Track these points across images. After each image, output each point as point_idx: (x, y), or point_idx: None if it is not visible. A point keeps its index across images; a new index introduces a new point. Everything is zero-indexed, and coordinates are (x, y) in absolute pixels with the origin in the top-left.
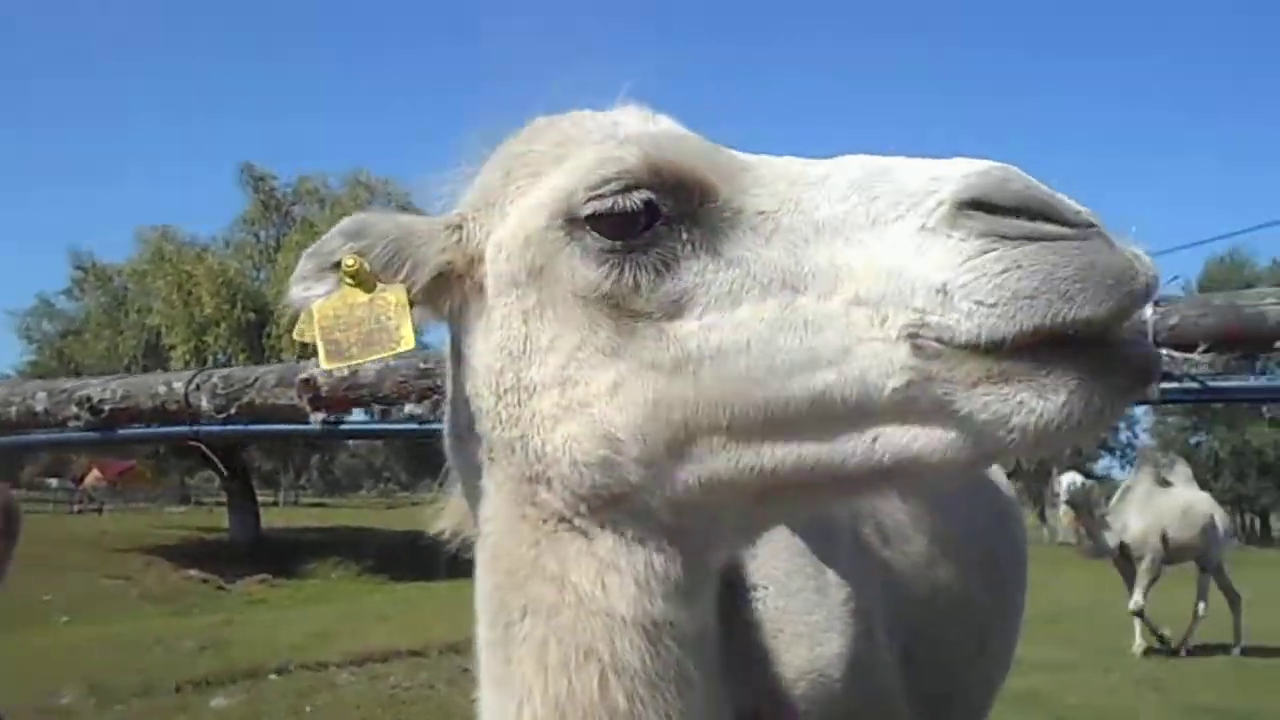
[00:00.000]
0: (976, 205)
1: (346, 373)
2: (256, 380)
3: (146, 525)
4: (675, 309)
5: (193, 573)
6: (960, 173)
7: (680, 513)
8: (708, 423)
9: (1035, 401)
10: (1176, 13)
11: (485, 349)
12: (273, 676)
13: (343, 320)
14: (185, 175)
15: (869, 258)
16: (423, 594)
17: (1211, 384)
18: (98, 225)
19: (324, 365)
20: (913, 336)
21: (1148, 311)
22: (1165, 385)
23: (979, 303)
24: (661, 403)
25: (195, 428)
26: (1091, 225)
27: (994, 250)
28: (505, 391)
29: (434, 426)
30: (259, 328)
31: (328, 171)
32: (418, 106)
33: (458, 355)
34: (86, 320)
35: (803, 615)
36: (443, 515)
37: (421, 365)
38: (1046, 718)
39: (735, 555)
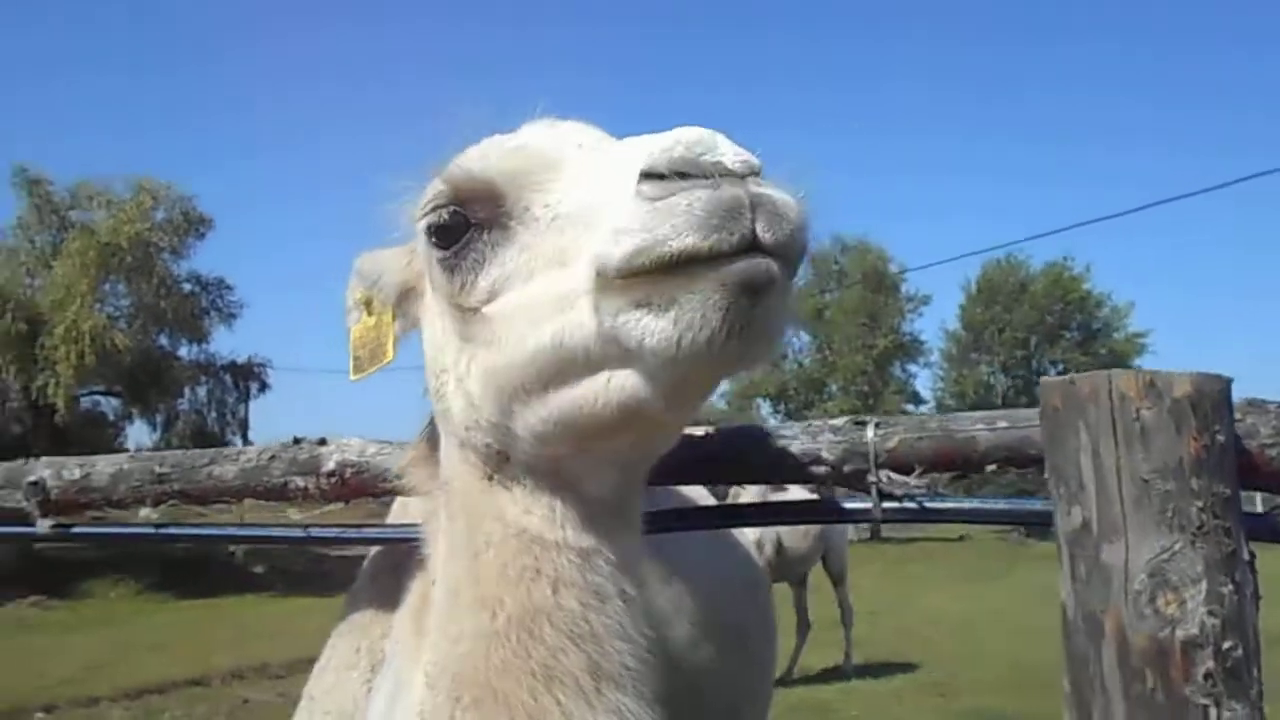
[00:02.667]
0: (649, 174)
1: (78, 474)
2: None
3: None
4: (489, 296)
5: None
6: (645, 150)
7: (543, 462)
8: (514, 382)
9: (654, 323)
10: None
11: (426, 340)
12: (39, 716)
13: (363, 339)
14: None
15: (596, 228)
16: (208, 613)
17: (929, 504)
18: None
19: (351, 377)
20: (597, 276)
21: (869, 433)
22: (886, 505)
23: (628, 235)
24: (490, 371)
25: None
26: (734, 173)
27: (651, 204)
28: (435, 374)
29: (171, 531)
30: (31, 339)
31: (111, 175)
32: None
33: (423, 345)
34: None
35: None
36: (407, 456)
37: (156, 469)
38: None
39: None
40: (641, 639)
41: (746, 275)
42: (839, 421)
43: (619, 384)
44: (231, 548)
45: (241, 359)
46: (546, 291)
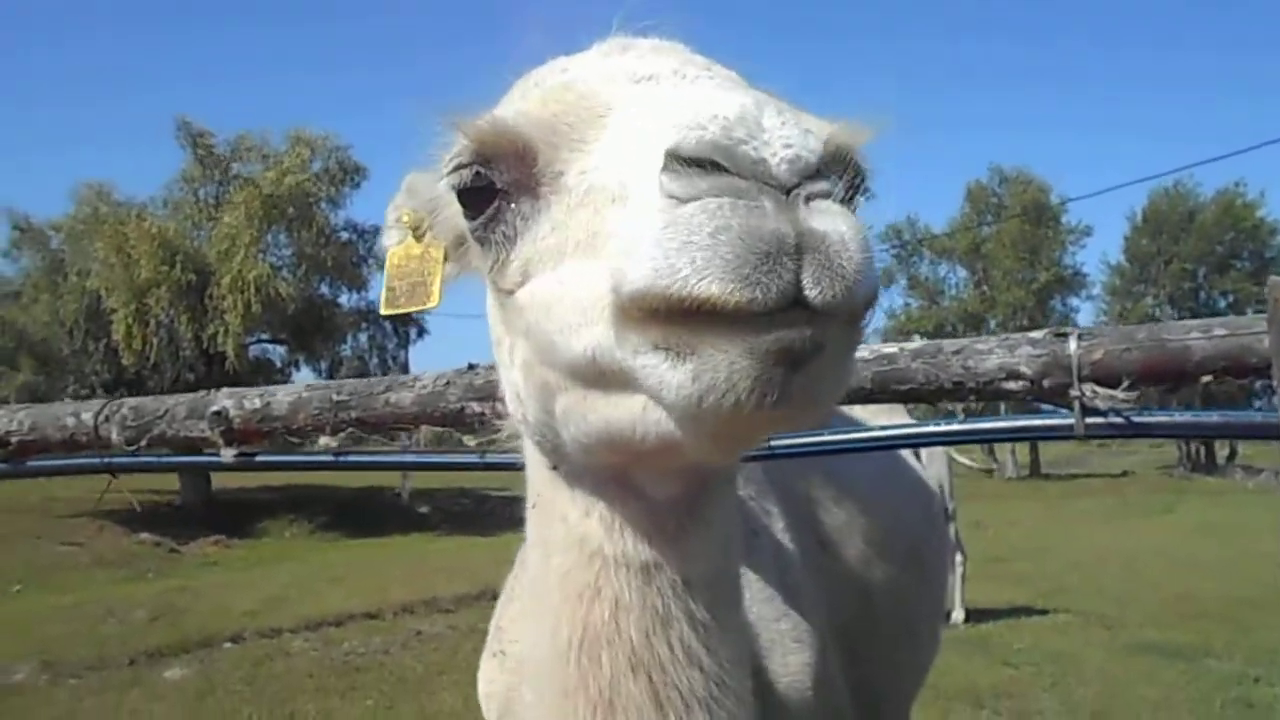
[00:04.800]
0: (674, 157)
1: (259, 404)
2: (167, 412)
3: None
4: (523, 279)
5: (145, 536)
6: (679, 119)
7: (596, 469)
8: (552, 386)
9: (670, 374)
10: None
11: (487, 302)
12: (227, 645)
13: (402, 269)
14: (122, 131)
15: (621, 223)
16: (378, 550)
17: (1136, 419)
18: (34, 185)
19: (382, 310)
20: (615, 294)
21: (1072, 345)
22: (1090, 420)
23: (642, 260)
24: (528, 366)
25: (108, 459)
26: (779, 182)
27: (668, 211)
28: (495, 342)
29: (351, 459)
30: (200, 289)
31: (268, 127)
32: (354, 63)
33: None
34: (25, 283)
35: (772, 623)
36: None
37: (335, 398)
38: (994, 662)
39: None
40: (718, 664)
41: (783, 345)
42: (1038, 334)
43: (655, 419)
44: (398, 490)
45: None
46: (574, 292)
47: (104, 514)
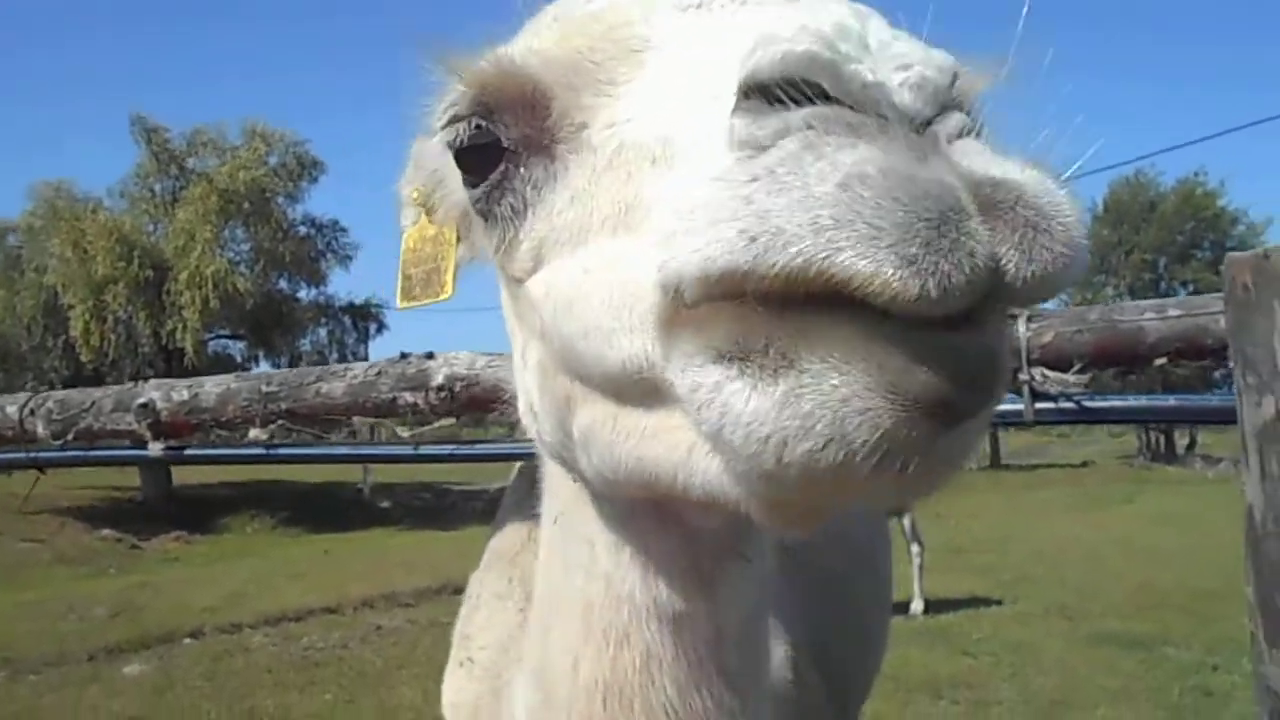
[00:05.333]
0: (750, 90)
1: (186, 396)
2: (93, 405)
3: (57, 486)
4: (534, 264)
5: (106, 532)
6: (741, 46)
7: (624, 501)
8: (578, 394)
9: (741, 402)
10: None
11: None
12: (186, 641)
13: (417, 254)
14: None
15: (670, 189)
16: (340, 545)
17: (1088, 404)
18: None
19: (398, 304)
20: (663, 288)
21: (1020, 327)
22: (1040, 405)
23: (706, 230)
24: (544, 371)
25: (33, 454)
26: (907, 113)
27: (744, 162)
28: (510, 339)
29: (281, 451)
30: (158, 285)
31: (225, 121)
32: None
33: None
34: None
35: None
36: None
37: (264, 388)
38: (953, 652)
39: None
40: (752, 706)
41: (966, 364)
42: None
43: (701, 466)
44: (359, 484)
45: (359, 300)
46: (604, 284)
47: (65, 510)
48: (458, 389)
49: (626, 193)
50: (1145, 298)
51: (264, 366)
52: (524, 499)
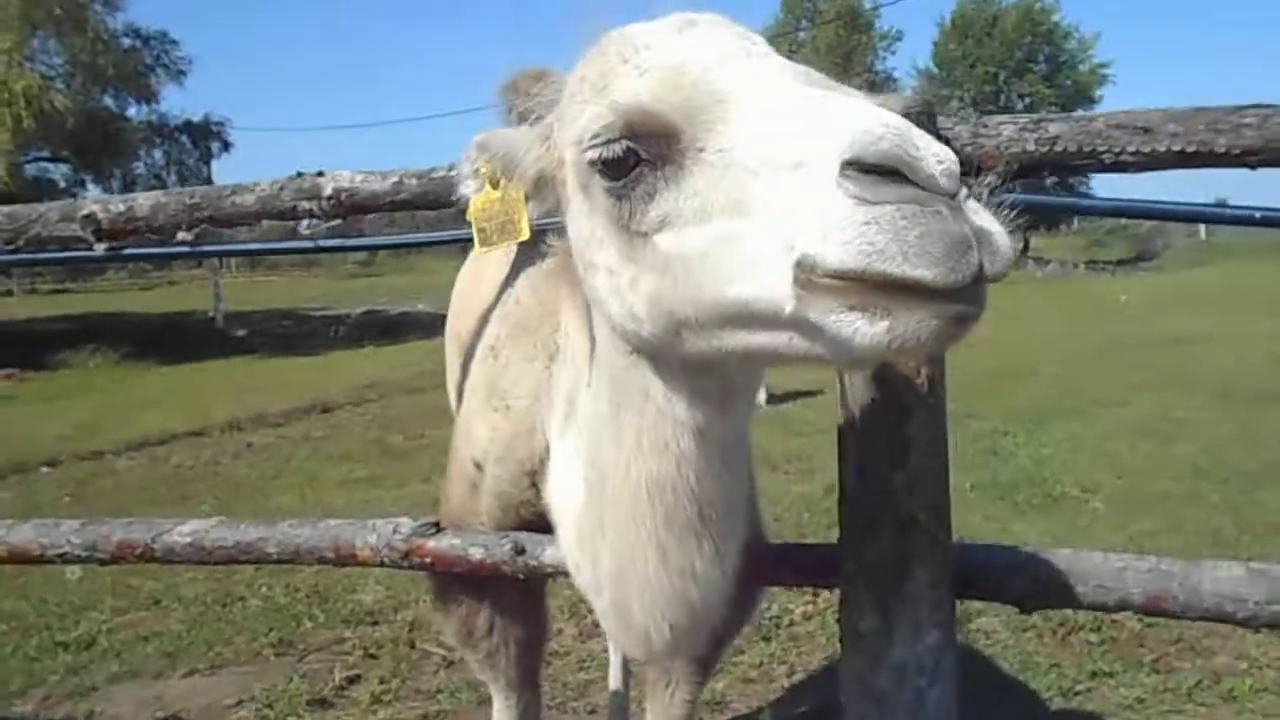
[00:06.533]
0: (853, 163)
1: (123, 208)
2: (40, 216)
3: None
4: (660, 227)
5: None
6: (850, 129)
7: (700, 362)
8: (684, 314)
9: (868, 327)
10: None
11: (573, 233)
12: (44, 470)
13: (486, 212)
14: None
15: (788, 197)
16: (197, 375)
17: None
18: None
19: (476, 251)
20: (799, 267)
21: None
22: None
23: (844, 244)
24: (657, 296)
25: None
26: (947, 192)
27: (862, 207)
28: (586, 266)
29: (206, 248)
30: None
31: None
32: None
33: (567, 228)
34: None
35: None
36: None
37: (188, 201)
38: (789, 435)
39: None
40: (738, 485)
41: (966, 313)
42: None
43: (802, 346)
44: (210, 312)
45: (197, 117)
46: (730, 249)
47: None
48: (343, 197)
49: (736, 194)
50: (986, 109)
51: (93, 191)
52: (522, 291)
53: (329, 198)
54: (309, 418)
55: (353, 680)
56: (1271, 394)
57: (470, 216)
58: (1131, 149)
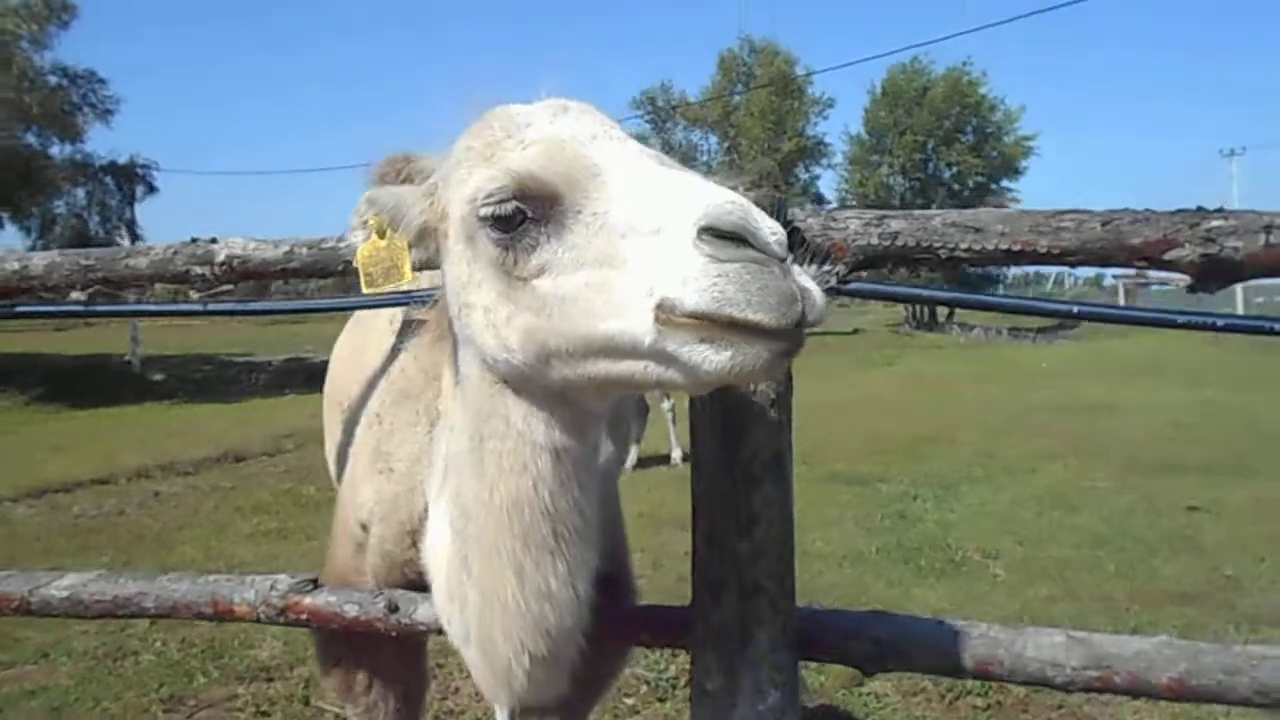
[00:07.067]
0: (708, 229)
1: (17, 266)
2: None
3: None
4: (539, 273)
5: None
6: (704, 202)
7: (560, 389)
8: (555, 346)
9: (714, 356)
10: None
11: (450, 276)
12: None
13: (373, 258)
14: None
15: (650, 253)
16: (108, 420)
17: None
18: None
19: (364, 290)
20: (659, 308)
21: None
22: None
23: (700, 291)
24: (531, 330)
25: None
26: (779, 256)
27: (714, 264)
28: (460, 307)
29: (98, 308)
30: None
31: None
32: None
33: (444, 274)
34: None
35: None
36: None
37: (83, 262)
38: None
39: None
40: (589, 508)
41: (790, 349)
42: None
43: (656, 372)
44: (127, 356)
45: (123, 159)
46: (600, 293)
47: None
48: (235, 263)
49: (607, 250)
50: (915, 177)
51: (10, 230)
52: (406, 360)
53: (221, 264)
54: (221, 466)
55: None
56: (1174, 465)
57: (357, 263)
58: (964, 246)
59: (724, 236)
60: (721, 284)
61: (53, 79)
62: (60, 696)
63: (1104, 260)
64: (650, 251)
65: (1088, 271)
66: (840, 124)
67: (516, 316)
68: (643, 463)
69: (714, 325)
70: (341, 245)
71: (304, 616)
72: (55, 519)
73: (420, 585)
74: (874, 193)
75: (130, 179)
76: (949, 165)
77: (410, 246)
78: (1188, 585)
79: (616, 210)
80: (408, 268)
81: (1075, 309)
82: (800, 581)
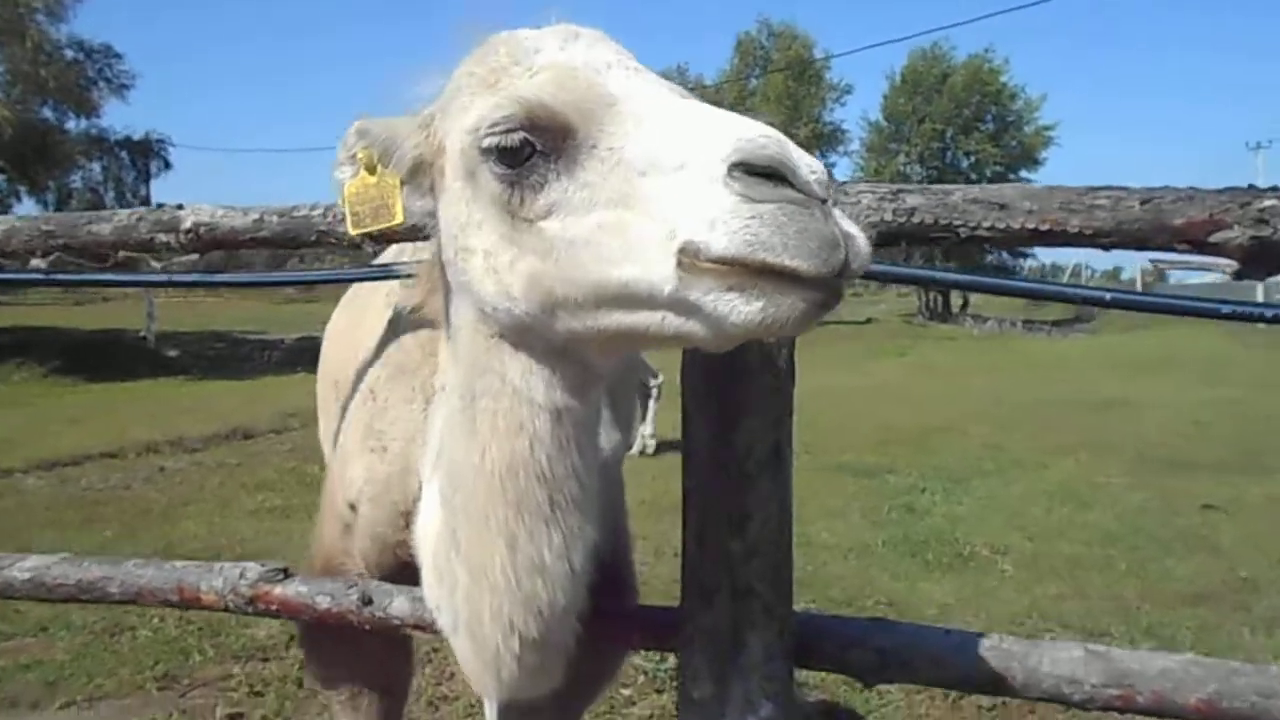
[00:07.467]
0: (739, 165)
1: None
2: None
3: None
4: (547, 214)
5: None
6: (734, 135)
7: (564, 344)
8: (562, 294)
9: (744, 306)
10: None
11: (446, 218)
12: None
13: (360, 196)
14: None
15: (672, 192)
16: (121, 394)
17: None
18: None
19: (350, 232)
20: (683, 252)
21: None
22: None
23: (730, 234)
24: (537, 276)
25: None
26: (820, 198)
27: (747, 204)
28: (457, 251)
29: (59, 277)
30: None
31: None
32: None
33: (438, 216)
34: None
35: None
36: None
37: (43, 227)
38: None
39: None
40: (588, 475)
41: (829, 298)
42: None
43: (674, 324)
44: (143, 331)
45: (138, 134)
46: (615, 236)
47: None
48: (202, 232)
49: (625, 188)
50: (932, 165)
51: (27, 203)
52: (404, 333)
53: (187, 231)
54: (228, 443)
55: (234, 718)
56: (1190, 462)
57: (344, 201)
58: (987, 224)
59: (757, 174)
60: (755, 226)
61: (69, 53)
62: (56, 671)
63: (1141, 243)
64: (673, 190)
65: (1104, 264)
66: (858, 111)
67: (520, 261)
68: (647, 448)
69: (745, 272)
70: (314, 213)
71: (274, 607)
72: (64, 491)
73: (411, 569)
74: (890, 181)
75: (146, 154)
76: (967, 154)
77: (402, 184)
78: (1202, 586)
79: (635, 145)
80: (399, 207)
81: (1108, 296)
82: (804, 573)
